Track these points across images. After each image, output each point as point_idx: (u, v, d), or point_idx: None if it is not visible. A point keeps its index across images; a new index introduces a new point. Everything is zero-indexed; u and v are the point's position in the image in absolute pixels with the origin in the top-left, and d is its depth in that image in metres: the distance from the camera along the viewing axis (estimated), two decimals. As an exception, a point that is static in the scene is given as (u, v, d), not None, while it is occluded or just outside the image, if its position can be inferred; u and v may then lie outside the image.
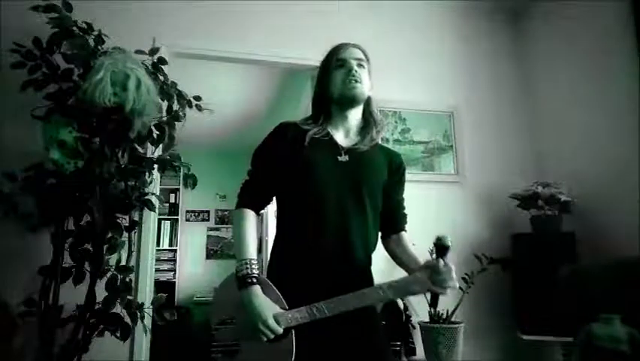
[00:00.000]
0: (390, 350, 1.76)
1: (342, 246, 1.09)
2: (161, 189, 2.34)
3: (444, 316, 2.23)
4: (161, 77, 2.01)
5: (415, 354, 2.23)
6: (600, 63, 2.40)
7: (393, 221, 1.27)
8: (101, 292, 1.74)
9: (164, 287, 4.74)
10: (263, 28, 2.54)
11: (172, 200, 5.41)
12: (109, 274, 1.79)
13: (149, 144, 2.02)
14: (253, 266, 1.09)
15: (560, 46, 2.71)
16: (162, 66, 2.03)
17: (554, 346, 2.31)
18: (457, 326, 2.17)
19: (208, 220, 5.57)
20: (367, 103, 1.26)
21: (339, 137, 1.23)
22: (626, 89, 2.22)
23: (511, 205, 2.50)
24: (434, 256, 1.03)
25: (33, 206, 1.74)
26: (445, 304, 2.29)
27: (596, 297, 1.93)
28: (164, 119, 1.99)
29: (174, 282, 5.15)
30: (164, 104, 2.00)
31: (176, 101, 2.03)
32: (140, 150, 2.02)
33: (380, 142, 1.29)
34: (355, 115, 1.25)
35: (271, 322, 1.01)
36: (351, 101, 1.20)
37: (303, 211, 1.12)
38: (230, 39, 2.47)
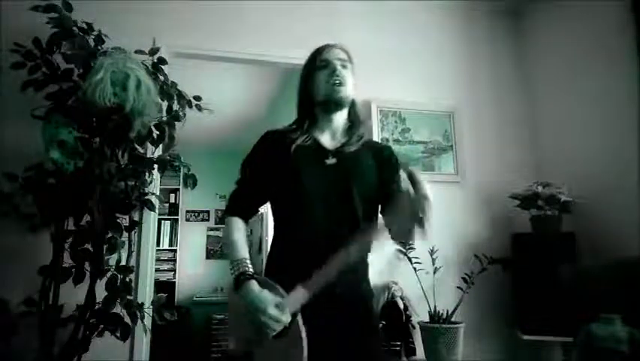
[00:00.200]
0: (382, 352, 1.74)
1: (335, 250, 1.06)
2: (161, 189, 2.34)
3: (444, 316, 2.23)
4: (161, 77, 2.01)
5: (415, 354, 2.23)
6: (600, 63, 2.40)
7: None
8: (101, 292, 1.74)
9: (164, 287, 4.75)
10: (263, 28, 2.54)
11: (172, 200, 5.42)
12: (109, 274, 1.79)
13: (149, 144, 2.02)
14: (246, 264, 1.09)
15: (559, 46, 2.70)
16: (162, 66, 2.03)
17: (554, 346, 2.31)
18: (457, 326, 2.17)
19: (208, 220, 5.58)
20: (352, 104, 1.26)
21: (326, 140, 1.23)
22: (626, 88, 2.22)
23: (511, 205, 2.50)
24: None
25: (33, 206, 1.74)
26: (445, 304, 2.29)
27: (596, 297, 1.94)
28: (164, 119, 1.99)
29: (174, 282, 5.16)
30: (164, 104, 2.00)
31: (176, 101, 2.03)
32: (140, 150, 2.02)
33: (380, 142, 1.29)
34: (341, 117, 1.24)
35: (272, 311, 0.99)
36: (335, 105, 1.20)
37: (293, 218, 1.12)
38: (231, 39, 2.47)
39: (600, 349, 1.64)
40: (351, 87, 1.22)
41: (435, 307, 2.28)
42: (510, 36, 3.01)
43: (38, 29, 1.81)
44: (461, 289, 2.34)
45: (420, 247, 2.40)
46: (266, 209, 4.41)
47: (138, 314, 1.79)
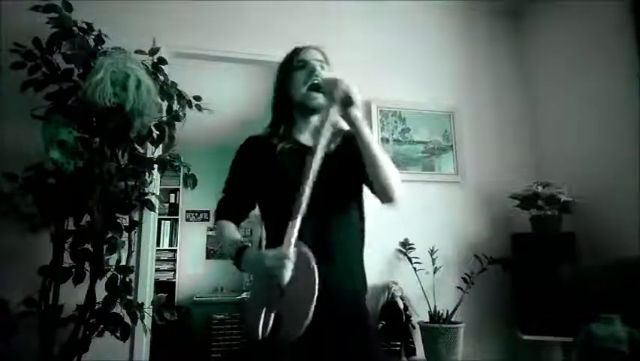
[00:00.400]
0: (382, 353, 1.73)
1: (323, 246, 1.06)
2: (161, 189, 2.34)
3: (444, 316, 2.23)
4: (161, 77, 2.01)
5: (415, 354, 2.23)
6: (600, 63, 2.40)
7: None
8: (101, 292, 1.74)
9: (164, 287, 4.73)
10: (263, 28, 2.54)
11: (172, 200, 5.41)
12: (109, 274, 1.79)
13: (149, 144, 2.02)
14: (241, 243, 1.12)
15: (559, 46, 2.70)
16: (162, 66, 2.03)
17: (554, 346, 2.31)
18: (457, 326, 2.17)
19: (208, 220, 5.56)
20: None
21: (306, 138, 1.23)
22: (625, 88, 2.22)
23: (510, 205, 2.50)
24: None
25: (33, 206, 1.74)
26: (445, 304, 2.29)
27: (596, 297, 1.94)
28: (164, 119, 1.99)
29: (174, 282, 5.14)
30: (164, 104, 2.00)
31: (176, 101, 2.03)
32: (140, 150, 2.02)
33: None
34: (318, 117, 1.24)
35: (272, 253, 0.98)
36: (312, 111, 1.21)
37: (281, 220, 1.08)
38: (231, 39, 2.47)
39: (600, 349, 1.64)
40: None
41: (435, 307, 2.28)
42: (510, 36, 3.02)
43: (38, 29, 1.81)
44: (461, 289, 2.34)
45: (420, 247, 2.41)
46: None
47: (138, 314, 1.79)
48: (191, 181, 2.08)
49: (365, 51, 2.67)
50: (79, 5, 1.90)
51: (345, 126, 1.17)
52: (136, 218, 2.03)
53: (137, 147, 1.97)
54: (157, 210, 2.12)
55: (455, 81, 2.84)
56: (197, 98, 2.10)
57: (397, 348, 2.21)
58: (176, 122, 2.02)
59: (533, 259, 2.30)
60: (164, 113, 2.00)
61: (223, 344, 4.30)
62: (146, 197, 1.96)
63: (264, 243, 4.99)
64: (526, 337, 2.23)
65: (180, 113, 2.03)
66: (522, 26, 3.01)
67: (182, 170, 2.07)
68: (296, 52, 1.26)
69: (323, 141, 1.05)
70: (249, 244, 1.12)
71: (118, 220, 1.86)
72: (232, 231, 1.19)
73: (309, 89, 1.18)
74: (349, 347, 1.08)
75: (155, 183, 2.12)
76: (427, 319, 2.26)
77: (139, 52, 1.95)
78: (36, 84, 1.80)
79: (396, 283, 2.32)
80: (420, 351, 2.23)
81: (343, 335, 1.08)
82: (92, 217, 1.74)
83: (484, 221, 2.64)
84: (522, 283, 2.32)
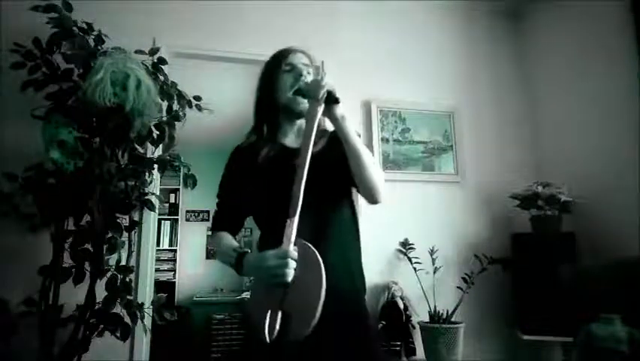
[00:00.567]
0: (382, 353, 1.73)
1: (319, 245, 1.02)
2: (161, 189, 2.34)
3: (444, 316, 2.23)
4: (161, 77, 2.01)
5: (415, 354, 2.23)
6: (600, 63, 2.40)
7: None
8: (101, 292, 1.74)
9: (164, 287, 4.74)
10: (263, 28, 2.54)
11: (172, 200, 5.41)
12: (109, 274, 1.79)
13: (149, 144, 2.02)
14: (240, 248, 1.13)
15: (559, 46, 2.70)
16: (162, 66, 2.03)
17: (554, 346, 2.31)
18: (457, 326, 2.17)
19: (208, 220, 5.56)
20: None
21: (291, 141, 1.23)
22: (625, 88, 2.22)
23: (511, 205, 2.50)
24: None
25: (33, 206, 1.74)
26: (445, 304, 2.29)
27: (596, 297, 1.94)
28: (164, 119, 1.99)
29: (174, 282, 5.15)
30: (164, 104, 2.00)
31: (176, 101, 2.03)
32: (140, 150, 2.02)
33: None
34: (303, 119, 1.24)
35: (273, 252, 0.97)
36: (298, 115, 1.21)
37: (276, 222, 1.07)
38: (231, 39, 2.47)
39: (600, 349, 1.64)
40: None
41: (435, 307, 2.28)
42: (510, 36, 3.02)
43: (38, 29, 1.81)
44: (461, 289, 2.34)
45: (420, 246, 2.41)
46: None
47: (138, 314, 1.79)
48: (191, 181, 2.08)
49: (365, 51, 2.67)
50: (79, 5, 1.90)
51: (331, 127, 1.16)
52: (136, 218, 2.02)
53: (137, 147, 1.97)
54: (157, 210, 2.12)
55: (455, 81, 2.84)
56: (197, 98, 2.10)
57: (397, 348, 2.21)
58: (176, 122, 2.01)
59: (533, 259, 2.30)
60: (164, 113, 2.00)
61: (223, 344, 4.30)
62: (146, 197, 1.96)
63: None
64: (526, 337, 2.23)
65: (180, 113, 2.03)
66: (522, 26, 3.01)
67: (182, 170, 2.06)
68: (283, 55, 1.25)
69: (311, 142, 1.04)
70: (248, 250, 1.12)
71: (118, 220, 1.86)
72: (229, 240, 1.21)
73: (295, 94, 1.17)
74: (349, 347, 1.08)
75: (155, 183, 2.12)
76: (427, 319, 2.26)
77: (139, 52, 1.94)
78: (36, 84, 1.80)
79: (396, 283, 2.32)
80: (420, 351, 2.23)
81: (343, 335, 1.08)
82: (92, 217, 1.74)
83: (484, 221, 2.64)
84: (522, 283, 2.32)
